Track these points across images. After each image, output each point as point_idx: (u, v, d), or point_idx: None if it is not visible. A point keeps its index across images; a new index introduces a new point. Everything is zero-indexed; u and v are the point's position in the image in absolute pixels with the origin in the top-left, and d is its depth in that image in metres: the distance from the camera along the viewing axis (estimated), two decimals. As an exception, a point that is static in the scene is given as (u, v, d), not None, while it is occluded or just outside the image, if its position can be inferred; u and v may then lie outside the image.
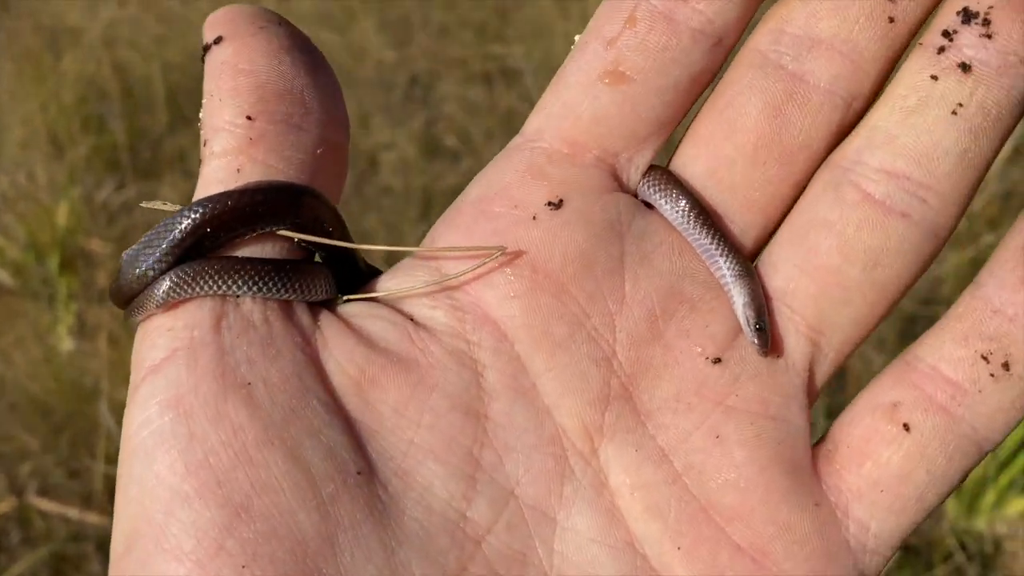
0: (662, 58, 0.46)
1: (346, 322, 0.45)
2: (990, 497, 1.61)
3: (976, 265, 1.85)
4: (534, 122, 0.48)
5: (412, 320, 0.46)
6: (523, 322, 0.45)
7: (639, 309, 0.46)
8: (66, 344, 2.00)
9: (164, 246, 0.44)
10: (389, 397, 0.43)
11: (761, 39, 0.47)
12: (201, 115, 0.45)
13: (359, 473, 0.42)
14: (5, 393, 1.91)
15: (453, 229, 0.47)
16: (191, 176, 2.54)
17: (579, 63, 0.47)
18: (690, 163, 0.48)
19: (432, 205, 2.24)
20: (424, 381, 0.44)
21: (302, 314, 0.45)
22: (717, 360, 0.46)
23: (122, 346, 1.97)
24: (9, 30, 2.87)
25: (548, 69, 2.50)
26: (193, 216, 0.44)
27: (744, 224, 0.47)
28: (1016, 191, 1.92)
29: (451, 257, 0.46)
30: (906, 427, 0.45)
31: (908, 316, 1.83)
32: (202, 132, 0.45)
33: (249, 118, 0.44)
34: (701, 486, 0.45)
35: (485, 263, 0.45)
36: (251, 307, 0.44)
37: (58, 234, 2.21)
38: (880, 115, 0.46)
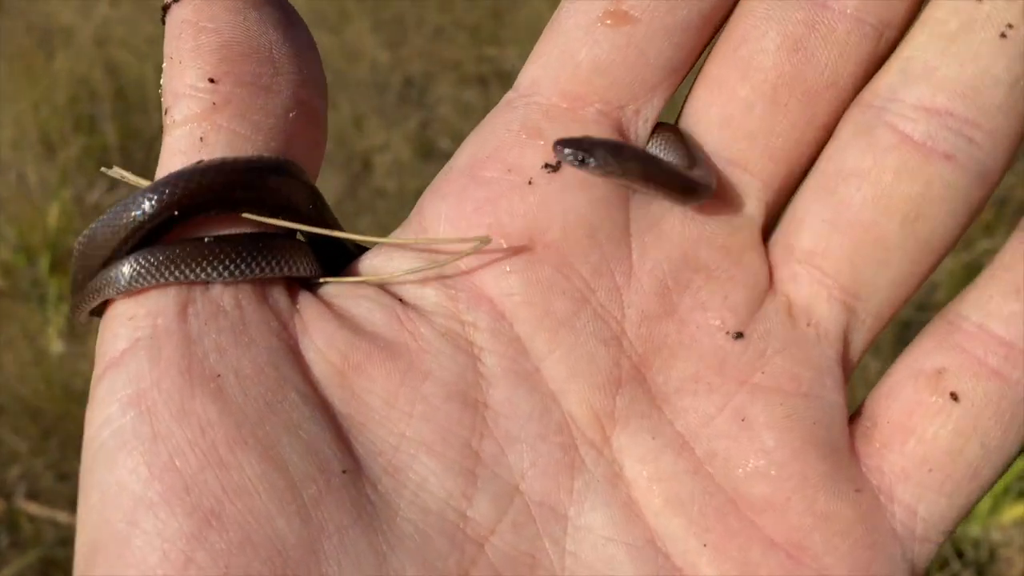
0: None
1: (327, 304, 0.42)
2: (985, 504, 1.61)
3: (971, 270, 1.85)
4: (528, 74, 0.43)
5: (400, 300, 0.42)
6: (522, 299, 0.41)
7: (649, 281, 0.41)
8: (56, 346, 1.99)
9: (124, 230, 0.40)
10: (377, 386, 0.39)
11: None
12: (162, 81, 0.42)
13: (344, 472, 0.38)
14: (-6, 395, 1.89)
15: (441, 198, 0.43)
16: (183, 177, 2.53)
17: (576, 4, 0.42)
18: (703, 110, 0.43)
19: (426, 207, 2.24)
20: (415, 367, 0.40)
21: (279, 296, 0.41)
22: (739, 335, 0.41)
23: (113, 348, 1.96)
24: (1, 29, 2.86)
25: (543, 71, 2.50)
26: (156, 199, 0.39)
27: (766, 176, 0.42)
28: (1012, 196, 1.92)
29: (434, 249, 0.42)
30: (954, 396, 0.40)
31: (903, 322, 1.82)
32: (163, 99, 0.41)
33: (212, 80, 0.40)
34: (727, 475, 0.40)
35: (476, 246, 0.41)
36: (221, 290, 0.40)
37: (49, 235, 2.19)
38: (916, 44, 0.40)
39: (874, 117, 0.41)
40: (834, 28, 0.40)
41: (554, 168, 0.41)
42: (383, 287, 0.43)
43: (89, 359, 1.89)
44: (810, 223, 0.42)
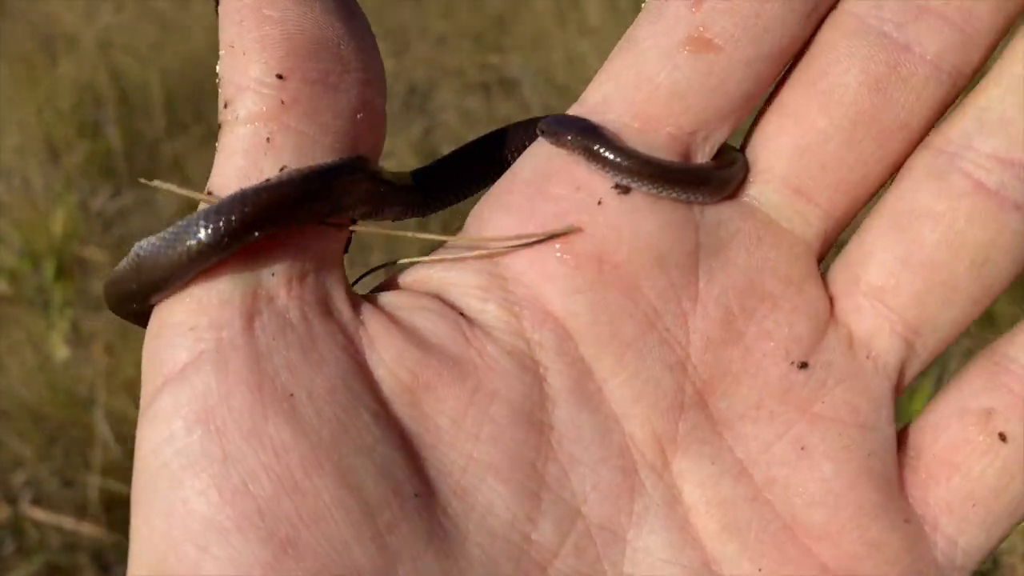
0: (754, 25, 0.41)
1: (391, 316, 0.40)
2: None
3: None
4: (599, 90, 0.42)
5: (463, 315, 0.41)
6: (589, 320, 0.40)
7: (715, 308, 0.42)
8: (61, 352, 1.99)
9: (200, 245, 0.37)
10: (446, 406, 0.38)
11: (858, 3, 0.42)
12: (219, 69, 0.39)
13: (416, 495, 0.37)
14: (-1, 401, 1.90)
15: (504, 211, 0.42)
16: (189, 183, 2.53)
17: (657, 25, 0.41)
18: (774, 137, 0.43)
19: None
20: (483, 387, 0.39)
21: (342, 307, 0.39)
22: (804, 365, 0.42)
23: (118, 354, 1.95)
24: (5, 34, 2.86)
25: (546, 79, 2.50)
26: (247, 207, 0.37)
27: (829, 207, 0.43)
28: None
29: (512, 248, 0.41)
30: (1002, 437, 0.41)
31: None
32: (221, 90, 0.39)
33: (280, 76, 0.38)
34: (785, 502, 0.41)
35: (546, 238, 0.40)
36: (287, 302, 0.38)
37: (54, 241, 2.20)
38: (993, 95, 0.41)
39: (947, 163, 0.42)
40: (914, 72, 0.41)
41: (624, 190, 0.41)
42: (443, 299, 0.41)
43: (95, 365, 1.89)
44: (881, 259, 0.42)
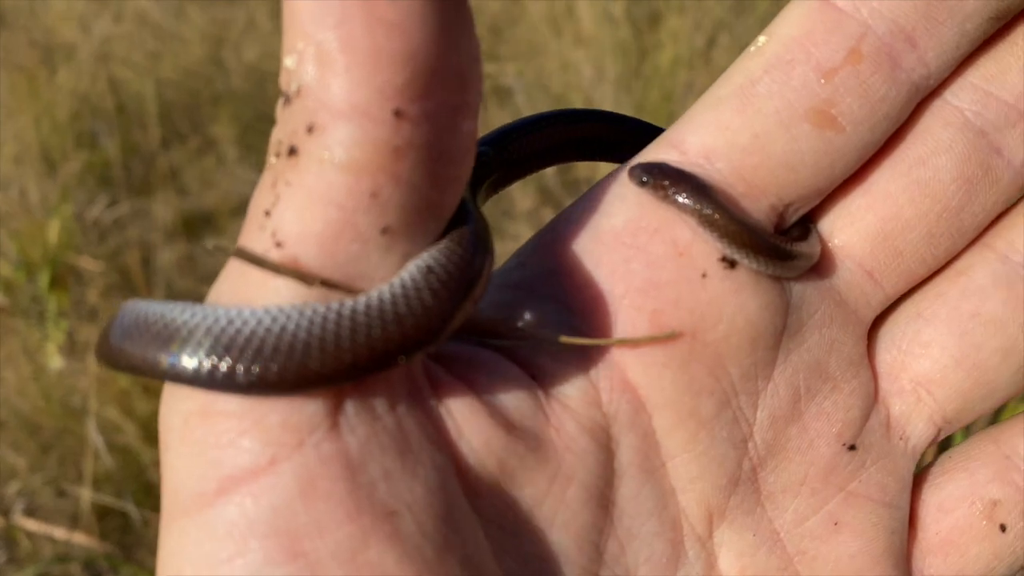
0: (879, 109, 0.39)
1: (471, 389, 0.35)
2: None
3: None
4: (702, 138, 0.39)
5: (536, 380, 0.37)
6: (671, 396, 0.38)
7: (785, 388, 0.41)
8: (55, 362, 1.99)
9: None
10: (526, 493, 0.35)
11: (964, 95, 0.41)
12: (292, 69, 0.29)
13: None
14: (-7, 411, 1.90)
15: (595, 264, 0.38)
16: (184, 193, 2.54)
17: (782, 87, 0.39)
18: (860, 217, 0.42)
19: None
20: (561, 471, 0.36)
21: (423, 384, 0.34)
22: (852, 447, 0.42)
23: (112, 364, 1.96)
24: (4, 45, 2.88)
25: (541, 88, 2.50)
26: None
27: (891, 292, 0.43)
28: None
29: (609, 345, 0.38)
30: (1003, 528, 0.43)
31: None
32: (300, 102, 0.30)
33: (398, 114, 0.29)
34: (812, 574, 0.42)
35: (647, 341, 0.38)
36: (372, 389, 0.31)
37: (49, 251, 2.20)
38: None
39: (1013, 273, 0.43)
40: (1001, 177, 0.42)
41: (731, 264, 0.39)
42: (517, 360, 0.37)
43: (88, 375, 1.90)
44: (936, 355, 0.43)
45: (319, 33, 0.29)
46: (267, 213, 0.30)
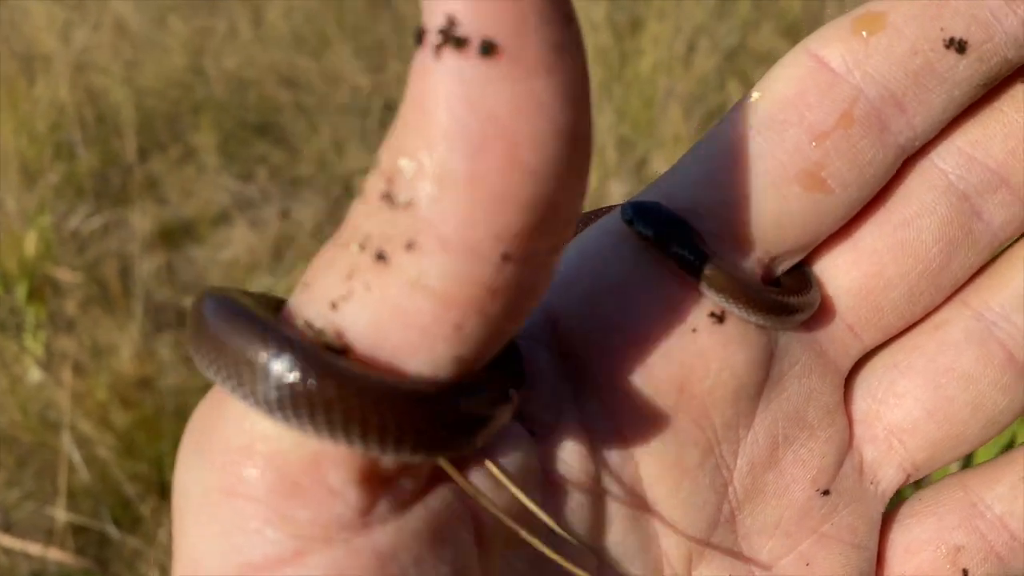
0: (866, 171, 0.40)
1: (483, 452, 0.35)
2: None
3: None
4: (690, 190, 0.40)
5: (534, 435, 0.37)
6: (657, 447, 0.40)
7: (764, 436, 0.43)
8: (33, 375, 1.98)
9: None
10: (528, 551, 0.36)
11: (950, 158, 0.42)
12: (398, 191, 0.28)
13: None
14: (-30, 425, 1.88)
15: (594, 317, 0.40)
16: (162, 203, 2.52)
17: (775, 148, 0.40)
18: (843, 272, 0.43)
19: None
20: (558, 527, 0.37)
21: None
22: (826, 492, 0.44)
23: (88, 376, 1.94)
24: (-19, 56, 2.85)
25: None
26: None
27: (869, 343, 0.44)
28: None
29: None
30: (965, 573, 0.45)
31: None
32: (400, 217, 0.28)
33: (505, 256, 0.28)
34: None
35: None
36: (393, 465, 0.31)
37: (27, 263, 2.19)
38: None
39: (986, 330, 0.44)
40: (980, 239, 0.43)
41: (720, 319, 0.40)
42: (521, 421, 0.38)
43: (66, 388, 1.88)
44: (910, 406, 0.44)
45: (450, 159, 0.27)
46: (334, 305, 0.29)
